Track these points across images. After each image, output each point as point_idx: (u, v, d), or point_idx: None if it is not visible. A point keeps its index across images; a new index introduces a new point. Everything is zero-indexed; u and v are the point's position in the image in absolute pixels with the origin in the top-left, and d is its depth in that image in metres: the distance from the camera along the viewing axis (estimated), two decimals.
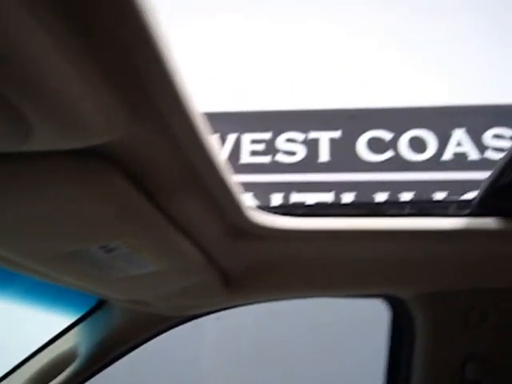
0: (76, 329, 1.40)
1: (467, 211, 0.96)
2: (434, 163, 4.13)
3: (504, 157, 0.82)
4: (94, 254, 0.79)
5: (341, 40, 4.34)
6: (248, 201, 0.87)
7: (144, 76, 0.46)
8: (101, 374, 1.41)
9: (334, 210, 0.98)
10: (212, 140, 0.65)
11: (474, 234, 0.96)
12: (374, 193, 3.97)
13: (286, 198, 3.97)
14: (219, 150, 0.68)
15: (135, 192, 0.62)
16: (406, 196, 3.96)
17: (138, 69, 0.45)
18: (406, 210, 0.96)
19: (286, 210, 0.96)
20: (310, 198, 3.92)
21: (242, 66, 4.27)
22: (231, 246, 0.94)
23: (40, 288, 1.43)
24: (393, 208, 0.96)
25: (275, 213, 0.95)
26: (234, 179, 0.77)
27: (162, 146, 0.58)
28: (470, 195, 0.96)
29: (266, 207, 0.94)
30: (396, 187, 3.99)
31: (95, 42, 0.40)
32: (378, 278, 1.12)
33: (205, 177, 0.70)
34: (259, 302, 1.26)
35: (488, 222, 0.94)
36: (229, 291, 1.10)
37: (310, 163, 4.11)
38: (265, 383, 3.70)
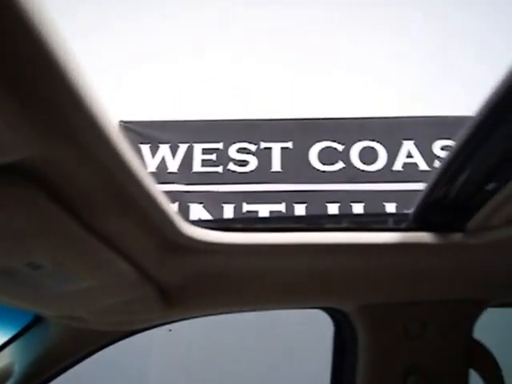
0: (11, 346, 1.35)
1: (404, 225, 0.96)
2: (385, 174, 4.20)
3: (435, 171, 0.83)
4: (23, 271, 0.77)
5: (292, 49, 4.37)
6: (179, 214, 0.86)
7: (53, 93, 0.45)
8: None
9: (270, 224, 0.98)
10: (132, 154, 0.64)
11: (410, 248, 0.97)
12: (325, 203, 4.00)
13: (238, 208, 3.96)
14: (140, 164, 0.67)
15: (58, 209, 0.61)
16: (356, 206, 4.01)
17: (46, 85, 0.43)
18: (344, 224, 0.96)
19: (221, 224, 0.94)
20: (262, 209, 3.93)
21: (192, 73, 4.25)
22: (166, 260, 0.92)
23: None
24: (330, 222, 0.95)
25: (210, 227, 0.93)
26: (162, 192, 0.75)
27: (79, 163, 0.57)
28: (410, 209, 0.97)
29: (199, 221, 0.92)
30: (347, 197, 4.04)
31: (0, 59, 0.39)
32: (318, 291, 1.12)
33: (129, 191, 0.68)
34: (199, 316, 1.24)
35: (425, 236, 0.95)
36: (167, 306, 1.08)
37: (261, 173, 4.12)
38: None
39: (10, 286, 0.86)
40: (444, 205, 0.89)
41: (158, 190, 0.73)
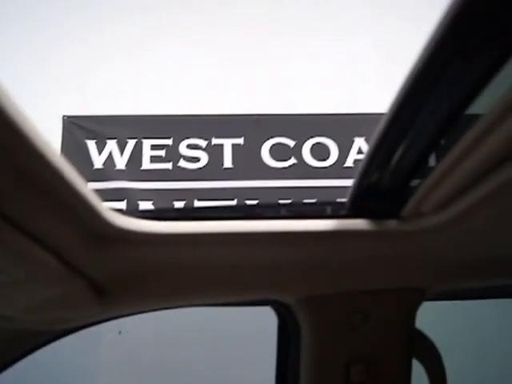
0: None
1: (342, 213, 0.95)
2: (337, 170, 4.24)
3: (364, 157, 0.81)
4: None
5: (246, 46, 4.36)
6: (110, 205, 0.82)
7: None
8: None
9: (206, 213, 0.95)
10: (47, 145, 0.60)
11: (345, 236, 0.96)
12: (277, 200, 4.00)
13: (189, 205, 3.92)
14: (56, 153, 0.63)
15: None
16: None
17: None
18: (282, 212, 0.94)
19: (154, 214, 0.91)
20: (214, 205, 3.89)
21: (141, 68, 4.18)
22: (95, 253, 0.88)
23: None
24: (268, 210, 0.93)
25: (142, 217, 0.90)
26: (85, 182, 0.72)
27: None
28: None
29: (132, 212, 0.88)
30: (300, 194, 4.05)
31: None
32: (258, 283, 1.09)
33: (49, 182, 0.64)
34: (138, 313, 1.20)
35: (360, 224, 0.94)
36: (101, 302, 1.03)
37: (213, 170, 4.09)
38: None
39: None
40: (377, 191, 0.88)
41: (82, 182, 0.69)
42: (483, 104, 0.65)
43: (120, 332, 3.45)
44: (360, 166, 0.83)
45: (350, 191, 0.90)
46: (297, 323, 1.25)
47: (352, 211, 0.93)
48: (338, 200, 0.97)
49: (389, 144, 0.77)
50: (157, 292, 1.09)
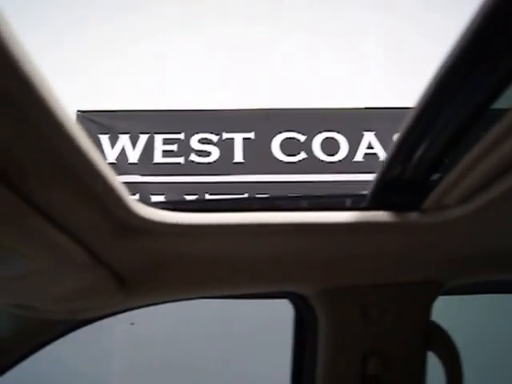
0: None
1: (362, 205, 0.96)
2: (346, 164, 4.23)
3: (389, 150, 0.82)
4: None
5: (257, 41, 4.35)
6: (134, 197, 0.83)
7: None
8: None
9: (226, 204, 0.96)
10: (79, 132, 0.61)
11: (369, 228, 0.96)
12: (287, 193, 4.01)
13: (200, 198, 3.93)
14: (89, 143, 0.64)
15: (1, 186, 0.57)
16: None
17: None
18: (302, 205, 0.95)
19: (177, 205, 0.92)
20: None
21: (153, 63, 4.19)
22: (118, 243, 0.89)
23: None
24: (288, 202, 0.94)
25: (165, 208, 0.91)
26: (113, 173, 0.72)
27: (22, 137, 0.53)
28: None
29: (155, 203, 0.90)
30: (309, 188, 4.06)
31: None
32: (276, 273, 1.10)
33: (75, 168, 0.65)
34: (158, 303, 1.21)
35: (381, 216, 0.94)
36: (123, 292, 1.05)
37: (223, 164, 4.10)
38: None
39: None
40: (400, 183, 0.89)
41: (110, 171, 0.70)
42: (509, 98, 0.66)
43: (133, 323, 3.47)
44: (384, 158, 0.84)
45: (372, 183, 0.90)
46: (314, 315, 1.26)
47: (373, 203, 0.94)
48: (359, 192, 0.98)
49: (414, 138, 0.78)
50: (177, 282, 1.10)
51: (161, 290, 1.11)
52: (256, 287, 1.18)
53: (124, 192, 0.78)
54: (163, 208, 0.90)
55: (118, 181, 0.74)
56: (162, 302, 1.24)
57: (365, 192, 0.96)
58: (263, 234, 0.99)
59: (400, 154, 0.83)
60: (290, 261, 1.08)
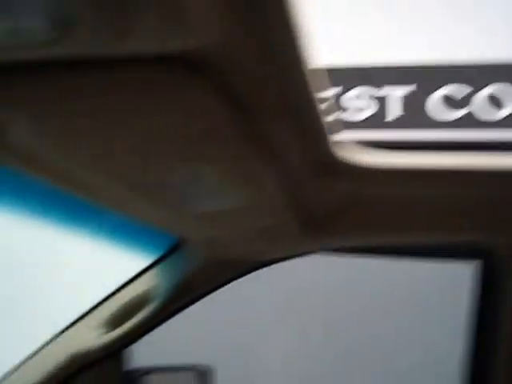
0: (152, 271, 1.40)
1: None
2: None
3: None
4: (174, 184, 0.77)
5: None
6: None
7: None
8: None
9: (425, 145, 0.91)
10: (311, 66, 0.59)
11: None
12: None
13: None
14: (316, 80, 0.62)
15: (225, 110, 0.58)
16: None
17: None
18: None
19: (373, 145, 0.89)
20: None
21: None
22: (317, 183, 0.89)
23: (119, 229, 1.44)
24: (488, 148, 0.87)
25: (363, 149, 0.89)
26: (327, 116, 0.71)
27: (257, 58, 0.53)
28: None
29: (352, 143, 0.87)
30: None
31: None
32: (468, 221, 1.04)
33: (297, 103, 0.64)
34: (340, 248, 1.21)
35: None
36: (310, 234, 1.06)
37: (379, 120, 3.98)
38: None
39: (154, 206, 0.87)
40: None
41: (325, 113, 0.69)
42: None
43: None
44: None
45: None
46: (500, 271, 1.19)
47: None
48: None
49: None
50: (356, 228, 1.08)
51: (345, 235, 1.11)
52: (443, 235, 1.12)
53: (333, 133, 0.76)
54: (362, 149, 0.89)
55: (330, 123, 0.73)
56: (343, 248, 1.24)
57: None
58: (460, 178, 0.94)
59: None
60: (481, 206, 1.01)
